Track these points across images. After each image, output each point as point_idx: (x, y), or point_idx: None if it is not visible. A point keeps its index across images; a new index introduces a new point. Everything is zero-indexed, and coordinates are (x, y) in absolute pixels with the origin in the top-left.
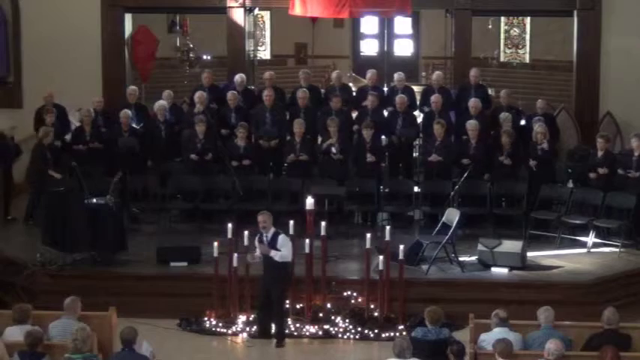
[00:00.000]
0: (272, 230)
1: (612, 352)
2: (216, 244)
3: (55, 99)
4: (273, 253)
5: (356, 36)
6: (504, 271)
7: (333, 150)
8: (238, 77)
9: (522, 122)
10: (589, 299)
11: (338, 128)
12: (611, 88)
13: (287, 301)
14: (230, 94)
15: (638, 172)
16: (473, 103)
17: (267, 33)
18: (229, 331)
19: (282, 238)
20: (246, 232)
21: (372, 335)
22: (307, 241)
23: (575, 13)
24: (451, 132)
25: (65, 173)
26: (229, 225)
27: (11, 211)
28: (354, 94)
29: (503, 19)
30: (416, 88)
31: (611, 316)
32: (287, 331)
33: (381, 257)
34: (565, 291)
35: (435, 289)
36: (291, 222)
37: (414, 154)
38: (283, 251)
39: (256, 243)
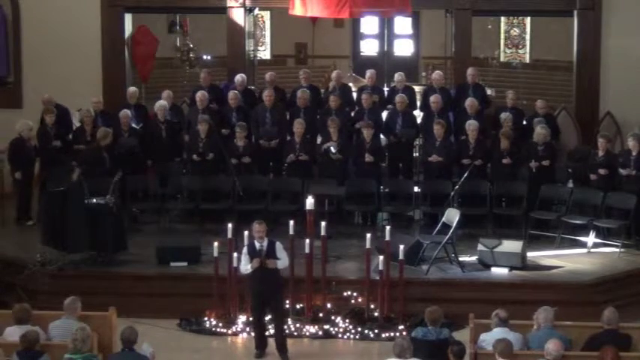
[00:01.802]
0: (266, 239)
1: (612, 352)
2: (216, 244)
3: (54, 99)
4: (278, 264)
5: (356, 36)
6: (504, 271)
7: (332, 150)
8: (239, 77)
9: (523, 122)
10: (589, 299)
11: (338, 128)
12: (611, 88)
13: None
14: (231, 94)
15: (634, 170)
16: (470, 102)
17: (267, 33)
18: (229, 331)
19: (279, 245)
20: (246, 232)
21: (372, 335)
22: (307, 241)
23: (575, 13)
24: (450, 132)
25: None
26: (229, 225)
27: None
28: (354, 94)
29: (503, 19)
30: (416, 88)
31: (611, 316)
32: (287, 331)
33: (381, 257)
34: (565, 291)
35: (435, 289)
36: (291, 222)
37: (414, 154)
38: (284, 259)
39: (245, 253)
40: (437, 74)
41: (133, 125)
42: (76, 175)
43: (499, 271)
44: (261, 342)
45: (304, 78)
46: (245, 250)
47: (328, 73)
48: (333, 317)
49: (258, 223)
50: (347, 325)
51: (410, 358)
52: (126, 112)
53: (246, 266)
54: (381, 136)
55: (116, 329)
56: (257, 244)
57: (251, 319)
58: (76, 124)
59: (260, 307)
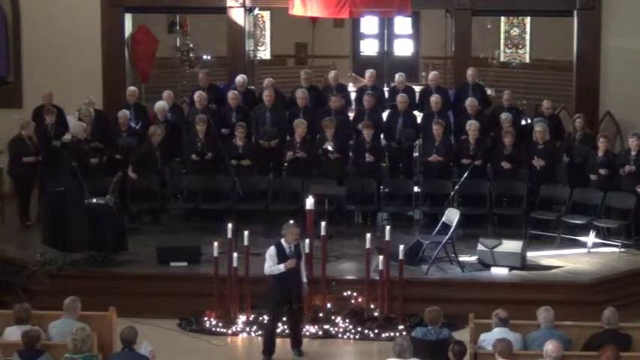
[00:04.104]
0: None
1: (612, 352)
2: (216, 244)
3: (54, 99)
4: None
5: (356, 36)
6: (504, 271)
7: (330, 149)
8: (240, 78)
9: (523, 122)
10: (589, 299)
11: (335, 128)
12: (611, 88)
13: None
14: (231, 94)
15: (633, 166)
16: (470, 102)
17: (267, 33)
18: (229, 331)
19: (301, 246)
20: (246, 232)
21: (372, 335)
22: (307, 241)
23: (575, 13)
24: (450, 132)
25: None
26: (229, 225)
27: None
28: (354, 94)
29: (503, 19)
30: (416, 88)
31: (611, 316)
32: (287, 332)
33: (381, 257)
34: (565, 291)
35: (435, 289)
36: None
37: (414, 154)
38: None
39: (273, 255)
40: (433, 74)
41: (132, 125)
42: (117, 178)
43: (499, 271)
44: (272, 347)
45: (305, 79)
46: (273, 251)
47: (328, 73)
48: (333, 317)
49: (295, 226)
50: (347, 325)
51: (410, 358)
52: (125, 112)
53: (276, 267)
54: (381, 137)
55: (116, 329)
56: (286, 246)
57: (266, 320)
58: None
59: (282, 309)
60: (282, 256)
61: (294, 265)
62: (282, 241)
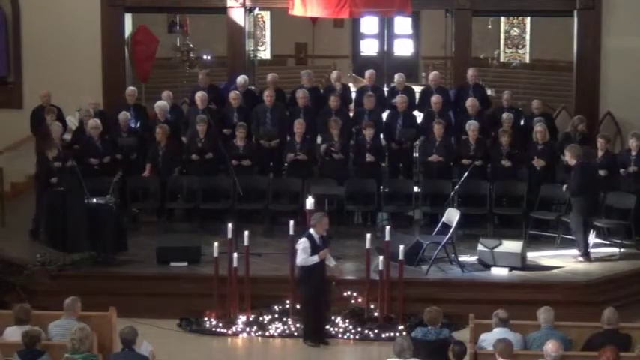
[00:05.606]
0: None
1: (612, 352)
2: (216, 244)
3: (54, 99)
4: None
5: (356, 36)
6: (504, 271)
7: (334, 149)
8: (241, 78)
9: (522, 122)
10: (589, 299)
11: (340, 129)
12: (611, 88)
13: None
14: (232, 94)
15: (635, 167)
16: (470, 102)
17: (267, 33)
18: (229, 331)
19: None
20: (246, 232)
21: (372, 335)
22: None
23: (575, 13)
24: (450, 132)
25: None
26: (229, 225)
27: None
28: (354, 94)
29: (503, 19)
30: (416, 89)
31: (611, 316)
32: (287, 332)
33: (381, 257)
34: (565, 291)
35: (435, 289)
36: (291, 222)
37: (414, 154)
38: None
39: (308, 246)
40: (434, 74)
41: (132, 125)
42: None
43: (499, 271)
44: (322, 331)
45: (307, 79)
46: (307, 243)
47: (328, 73)
48: (333, 317)
49: (326, 216)
50: (347, 325)
51: (410, 358)
52: (125, 115)
53: (310, 258)
54: (381, 137)
55: (116, 329)
56: (316, 237)
57: (306, 310)
58: (75, 123)
59: (315, 299)
60: (313, 247)
61: (326, 255)
62: (312, 231)
